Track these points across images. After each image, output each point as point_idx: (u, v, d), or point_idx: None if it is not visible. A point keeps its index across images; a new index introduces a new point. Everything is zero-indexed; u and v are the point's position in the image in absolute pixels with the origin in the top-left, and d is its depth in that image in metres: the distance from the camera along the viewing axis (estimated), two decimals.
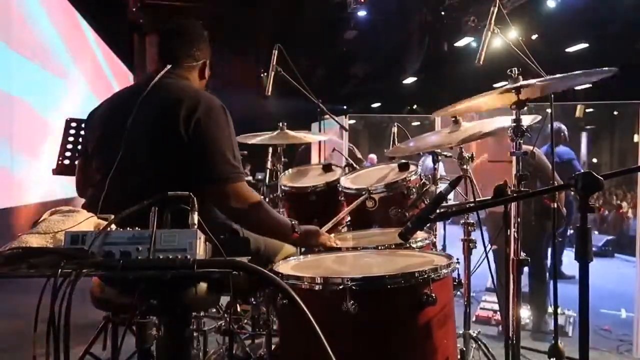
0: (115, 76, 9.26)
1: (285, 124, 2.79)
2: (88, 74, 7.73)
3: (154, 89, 1.63)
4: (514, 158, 1.94)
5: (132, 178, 1.56)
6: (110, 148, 1.58)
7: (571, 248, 5.21)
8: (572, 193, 3.59)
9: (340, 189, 2.39)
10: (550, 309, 3.63)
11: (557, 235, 3.87)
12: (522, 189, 1.82)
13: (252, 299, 2.24)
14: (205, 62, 1.84)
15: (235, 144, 1.66)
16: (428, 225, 1.60)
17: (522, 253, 1.85)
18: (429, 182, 2.26)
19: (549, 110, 2.16)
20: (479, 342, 2.33)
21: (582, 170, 1.20)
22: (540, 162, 3.51)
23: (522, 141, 1.85)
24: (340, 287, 1.31)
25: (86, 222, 1.19)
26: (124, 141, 1.55)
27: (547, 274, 3.86)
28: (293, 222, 1.73)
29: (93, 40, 8.04)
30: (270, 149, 2.83)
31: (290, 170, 2.84)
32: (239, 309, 2.61)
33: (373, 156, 7.15)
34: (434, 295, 1.32)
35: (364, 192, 2.19)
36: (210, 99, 1.66)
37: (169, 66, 1.70)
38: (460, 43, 8.97)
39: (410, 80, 12.82)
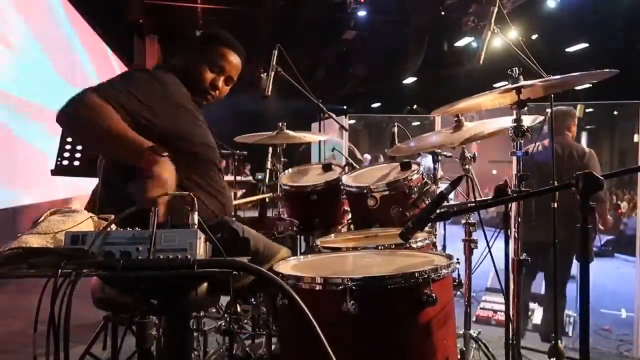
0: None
1: (285, 124, 2.79)
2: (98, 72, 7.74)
3: None
4: (514, 158, 1.94)
5: (112, 177, 1.57)
6: None
7: None
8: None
9: (342, 187, 2.40)
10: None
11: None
12: (523, 189, 1.82)
13: (252, 299, 2.24)
14: (189, 66, 1.83)
15: (121, 82, 1.54)
16: (429, 225, 1.60)
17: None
18: (430, 181, 2.27)
19: (548, 110, 2.16)
20: (479, 342, 2.33)
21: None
22: (590, 163, 3.47)
23: (522, 141, 1.86)
24: (341, 287, 1.31)
25: (86, 222, 1.19)
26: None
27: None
28: (153, 146, 1.40)
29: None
30: (270, 149, 2.83)
31: (290, 169, 2.84)
32: (239, 309, 2.61)
33: (367, 156, 7.16)
34: (434, 295, 1.32)
35: (365, 190, 2.19)
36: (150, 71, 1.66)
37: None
38: (460, 43, 8.97)
39: (410, 80, 12.82)
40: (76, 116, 1.42)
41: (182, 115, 1.67)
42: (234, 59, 1.87)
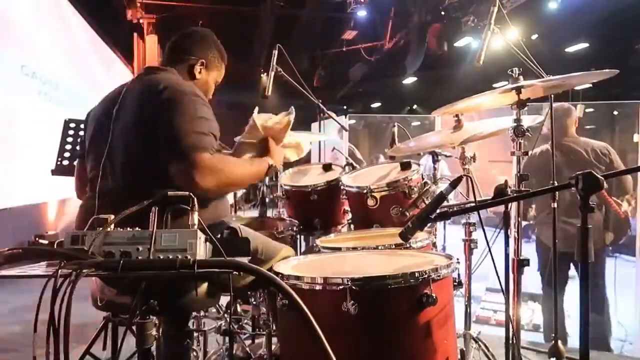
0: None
1: None
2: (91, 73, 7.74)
3: (138, 83, 1.66)
4: (513, 158, 1.94)
5: (115, 174, 1.57)
6: (99, 146, 1.61)
7: None
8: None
9: (342, 187, 2.40)
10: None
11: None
12: (523, 188, 1.82)
13: (252, 299, 2.24)
14: (197, 59, 1.84)
15: (201, 124, 1.53)
16: (429, 225, 1.60)
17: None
18: (430, 181, 2.27)
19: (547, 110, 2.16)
20: (479, 342, 2.32)
21: None
22: (615, 163, 3.41)
23: (522, 141, 1.86)
24: (341, 287, 1.31)
25: None
26: (110, 139, 1.58)
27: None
28: (271, 164, 1.78)
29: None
30: None
31: (290, 169, 2.84)
32: (239, 309, 2.61)
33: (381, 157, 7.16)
34: (434, 295, 1.32)
35: (365, 190, 2.19)
36: (177, 84, 1.61)
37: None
38: (460, 43, 8.96)
39: (410, 80, 12.81)
40: (209, 182, 1.48)
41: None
42: (224, 71, 1.98)
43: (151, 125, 1.52)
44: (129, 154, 1.57)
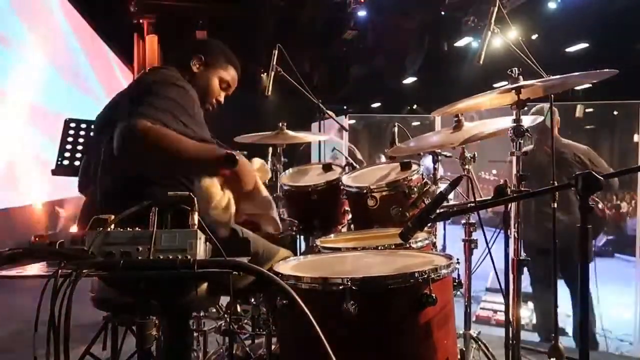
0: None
1: (285, 124, 2.79)
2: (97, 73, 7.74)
3: (135, 82, 1.69)
4: (514, 158, 1.94)
5: (116, 178, 1.57)
6: (99, 150, 1.60)
7: None
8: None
9: (341, 187, 2.39)
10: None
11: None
12: (523, 189, 1.82)
13: (252, 299, 2.24)
14: (192, 56, 1.84)
15: (160, 102, 1.47)
16: (428, 225, 1.60)
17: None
18: (430, 182, 2.27)
19: (547, 105, 2.16)
20: (479, 342, 2.33)
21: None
22: (597, 163, 3.45)
23: (522, 141, 1.86)
24: (340, 287, 1.31)
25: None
26: (106, 142, 1.56)
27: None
28: (227, 151, 1.47)
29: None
30: (270, 149, 2.83)
31: (290, 169, 2.84)
32: (239, 309, 2.61)
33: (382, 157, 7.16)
34: (434, 295, 1.32)
35: (365, 191, 2.19)
36: (165, 75, 1.64)
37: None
38: (460, 43, 8.96)
39: (410, 80, 12.81)
40: (139, 148, 1.39)
41: (205, 129, 1.67)
42: (236, 76, 1.94)
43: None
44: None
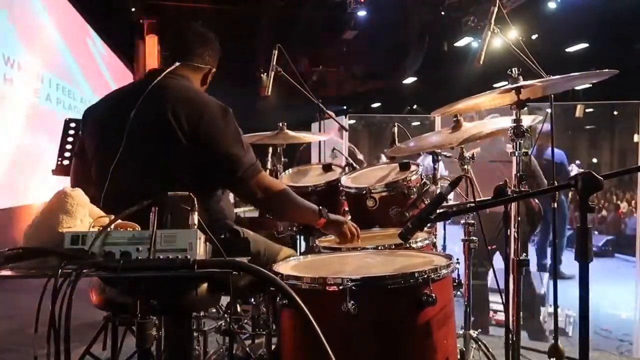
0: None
1: (285, 124, 2.79)
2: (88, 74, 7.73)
3: (153, 88, 1.62)
4: (514, 158, 1.94)
5: (128, 181, 1.56)
6: (110, 151, 1.58)
7: (571, 248, 5.21)
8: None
9: (341, 188, 2.39)
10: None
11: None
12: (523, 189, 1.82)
13: (252, 299, 2.24)
14: (211, 70, 1.84)
15: (241, 139, 1.67)
16: (428, 225, 1.60)
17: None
18: (429, 182, 2.27)
19: (548, 110, 2.16)
20: (479, 342, 2.33)
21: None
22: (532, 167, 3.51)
23: (522, 141, 1.86)
24: (340, 287, 1.31)
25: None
26: (123, 144, 1.56)
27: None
28: (321, 208, 1.83)
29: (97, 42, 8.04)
30: (270, 149, 2.83)
31: (290, 170, 2.84)
32: (239, 309, 2.61)
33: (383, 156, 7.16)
34: (434, 295, 1.32)
35: (364, 191, 2.19)
36: (209, 100, 1.65)
37: (177, 63, 1.71)
38: (460, 43, 8.97)
39: (410, 80, 12.82)
40: (270, 203, 1.76)
41: None
42: None
43: (190, 136, 1.57)
44: (150, 161, 1.59)
